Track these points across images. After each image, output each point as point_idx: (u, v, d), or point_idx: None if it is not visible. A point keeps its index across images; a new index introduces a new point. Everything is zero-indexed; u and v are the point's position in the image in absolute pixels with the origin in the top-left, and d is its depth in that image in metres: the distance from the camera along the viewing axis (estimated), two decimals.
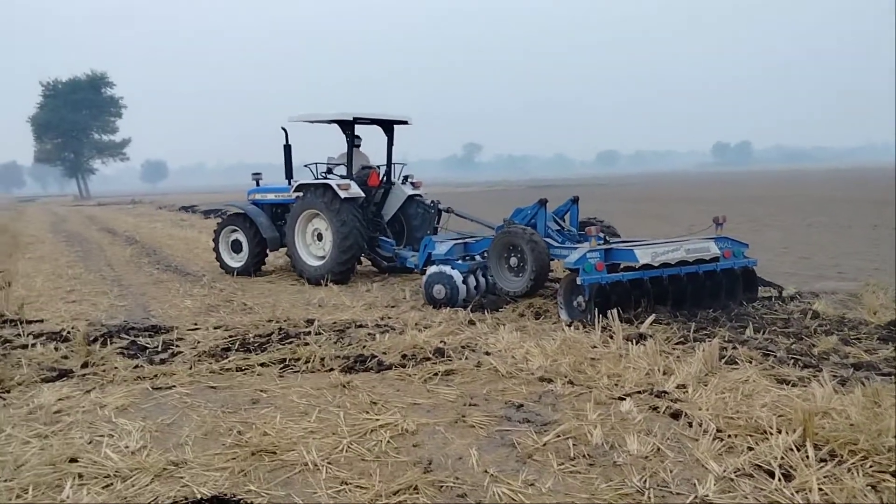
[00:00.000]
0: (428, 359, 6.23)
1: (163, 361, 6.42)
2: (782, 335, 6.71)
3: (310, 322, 7.86)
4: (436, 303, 8.76)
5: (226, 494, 3.69)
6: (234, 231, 12.44)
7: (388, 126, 11.89)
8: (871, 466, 3.75)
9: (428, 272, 8.95)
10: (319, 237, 11.20)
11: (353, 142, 11.29)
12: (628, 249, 7.60)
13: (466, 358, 6.21)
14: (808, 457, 3.85)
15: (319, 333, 7.28)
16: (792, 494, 3.49)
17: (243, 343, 6.97)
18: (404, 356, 6.34)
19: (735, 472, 3.77)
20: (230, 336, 7.31)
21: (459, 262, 9.07)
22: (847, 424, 4.21)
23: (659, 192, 44.85)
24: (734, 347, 6.20)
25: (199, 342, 7.08)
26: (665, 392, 5.11)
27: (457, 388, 5.47)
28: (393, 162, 12.03)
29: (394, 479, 3.80)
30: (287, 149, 11.59)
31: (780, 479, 3.65)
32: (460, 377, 5.74)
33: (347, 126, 11.21)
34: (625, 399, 4.99)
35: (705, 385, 5.18)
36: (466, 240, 9.57)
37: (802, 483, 3.59)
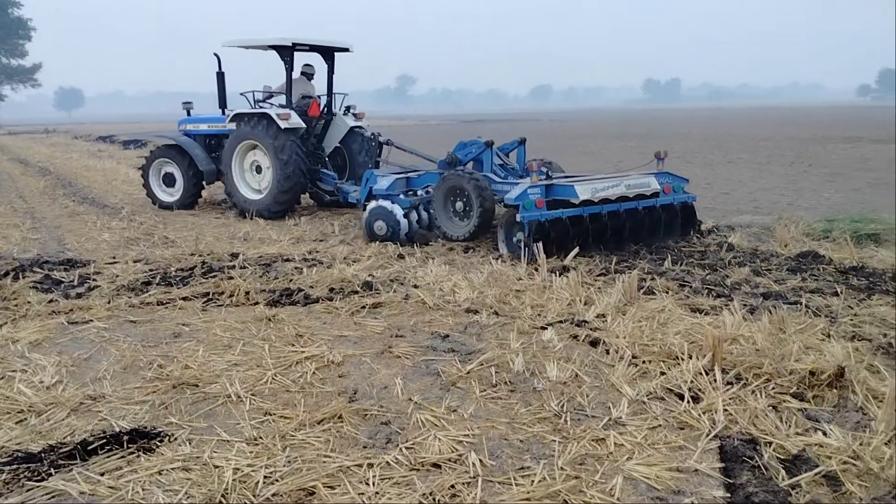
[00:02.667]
0: (356, 292, 6.22)
1: (79, 296, 6.20)
2: (698, 267, 6.98)
3: (234, 256, 7.71)
4: (377, 239, 8.56)
5: (146, 427, 3.65)
6: (167, 163, 11.84)
7: (328, 53, 11.40)
8: (773, 388, 3.98)
9: (369, 207, 8.73)
10: (258, 170, 10.74)
11: (291, 69, 10.68)
12: (569, 185, 7.51)
13: (395, 291, 6.23)
14: (715, 380, 4.05)
15: (244, 267, 7.16)
16: (699, 415, 3.68)
17: (164, 277, 6.79)
18: (332, 290, 6.31)
19: (647, 396, 3.95)
20: (151, 270, 7.11)
21: (401, 197, 8.84)
22: (753, 350, 4.44)
23: (590, 127, 45.31)
24: (652, 279, 6.41)
25: (117, 276, 6.86)
26: (585, 321, 5.27)
27: (384, 320, 5.50)
28: (334, 92, 11.58)
29: (318, 409, 3.83)
30: (220, 76, 11.05)
31: (688, 402, 3.85)
32: (388, 310, 5.76)
33: (286, 52, 10.60)
34: (547, 328, 5.12)
35: (623, 314, 5.36)
36: (409, 174, 9.35)
37: (709, 404, 3.79)
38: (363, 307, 5.78)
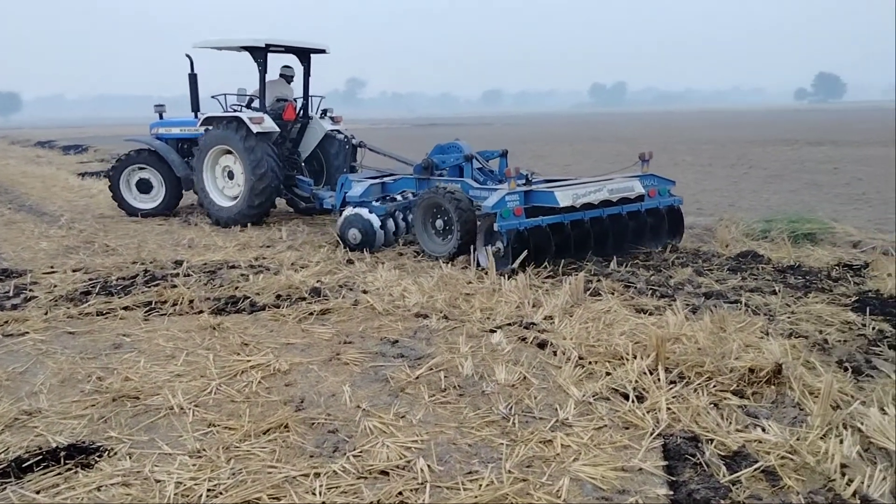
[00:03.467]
0: (303, 299, 6.15)
1: (14, 307, 5.98)
2: (643, 268, 7.10)
3: (178, 263, 7.54)
4: (352, 247, 8.21)
5: (84, 442, 3.54)
6: (141, 169, 11.35)
7: (304, 55, 10.98)
8: (714, 386, 4.08)
9: (343, 215, 8.40)
10: (230, 175, 10.30)
11: (264, 71, 10.25)
12: (548, 191, 7.12)
13: (343, 297, 6.18)
14: (659, 379, 4.13)
15: (188, 275, 7.01)
16: (643, 414, 3.74)
17: (105, 286, 6.60)
18: (279, 297, 6.23)
19: (593, 396, 4.00)
20: (90, 279, 6.90)
21: (377, 203, 8.54)
22: (695, 349, 4.54)
23: (539, 131, 45.76)
24: (598, 280, 6.51)
25: (55, 286, 6.64)
26: (533, 323, 5.31)
27: (332, 326, 5.44)
28: (311, 95, 11.21)
29: (264, 419, 3.77)
30: (192, 78, 10.64)
31: (633, 401, 3.91)
32: (336, 316, 5.71)
33: (259, 54, 10.17)
34: (496, 331, 5.15)
35: (570, 316, 5.42)
36: (384, 179, 8.97)
37: (653, 403, 3.86)
38: (311, 314, 5.72)
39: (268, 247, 8.73)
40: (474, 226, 7.40)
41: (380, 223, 8.30)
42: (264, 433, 3.62)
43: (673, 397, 3.93)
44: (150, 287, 6.55)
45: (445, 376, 4.34)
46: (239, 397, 4.09)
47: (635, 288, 6.26)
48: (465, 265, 7.19)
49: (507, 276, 6.53)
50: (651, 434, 3.54)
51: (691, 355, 4.42)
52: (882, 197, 12.24)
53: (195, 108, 10.92)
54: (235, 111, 10.41)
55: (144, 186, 11.47)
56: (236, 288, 6.52)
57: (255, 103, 10.51)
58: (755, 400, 3.93)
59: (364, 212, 8.29)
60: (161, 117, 11.68)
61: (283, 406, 3.95)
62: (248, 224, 10.06)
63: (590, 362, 4.49)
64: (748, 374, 4.11)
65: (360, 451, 3.41)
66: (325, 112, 11.17)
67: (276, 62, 11.06)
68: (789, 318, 5.36)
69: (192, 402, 4.01)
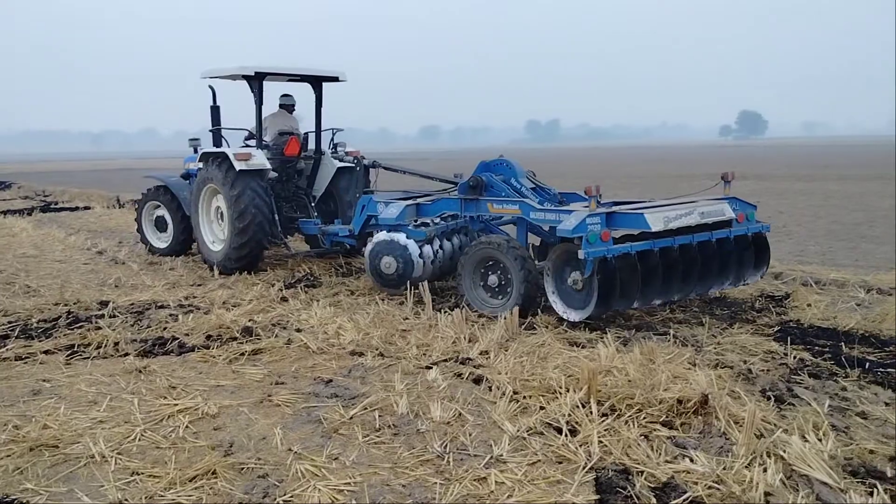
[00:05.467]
0: (235, 339, 6.02)
1: None
2: None
3: (104, 304, 7.28)
4: (385, 280, 7.29)
5: None
6: (157, 207, 10.74)
7: (315, 83, 9.87)
8: (644, 418, 4.15)
9: (374, 241, 7.39)
10: (222, 217, 9.31)
11: (260, 101, 9.30)
12: (636, 213, 6.13)
13: (276, 336, 6.07)
14: (591, 412, 4.18)
15: (114, 316, 6.77)
16: (576, 448, 3.77)
17: (24, 329, 6.31)
18: (209, 337, 6.07)
19: (528, 431, 4.02)
20: (9, 322, 6.59)
21: (413, 228, 7.45)
22: (626, 381, 4.62)
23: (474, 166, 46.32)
24: (534, 314, 6.58)
25: None
26: (469, 359, 5.32)
27: (264, 367, 5.33)
28: (322, 127, 10.00)
29: (190, 465, 3.64)
30: (214, 111, 9.78)
31: (566, 435, 3.94)
32: (269, 356, 5.60)
33: (253, 82, 9.21)
34: (431, 368, 5.14)
35: (506, 350, 5.46)
36: (417, 200, 7.83)
37: (586, 437, 3.90)
38: (242, 354, 5.59)
39: (199, 285, 8.52)
40: (538, 288, 6.50)
41: (419, 252, 7.28)
42: (191, 480, 3.49)
43: (605, 430, 3.98)
44: (72, 329, 6.29)
45: (380, 415, 4.30)
46: (165, 443, 3.95)
47: (569, 321, 6.35)
48: (402, 301, 7.17)
49: (443, 312, 6.51)
50: (583, 468, 3.57)
51: (622, 387, 4.49)
52: (805, 230, 12.83)
53: (217, 143, 9.88)
54: (235, 146, 9.53)
55: (161, 224, 10.83)
56: (164, 329, 6.33)
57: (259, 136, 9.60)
58: (684, 430, 4.02)
59: (401, 237, 7.25)
60: (196, 151, 10.40)
61: (210, 451, 3.83)
62: (238, 271, 9.02)
63: (524, 396, 4.52)
64: (677, 405, 4.21)
65: (291, 496, 3.33)
66: (336, 146, 10.15)
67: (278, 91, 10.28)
68: (715, 348, 5.53)
69: (115, 450, 3.84)
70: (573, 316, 6.18)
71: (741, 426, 3.90)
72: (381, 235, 7.40)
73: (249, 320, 6.55)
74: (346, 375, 5.09)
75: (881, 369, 5.04)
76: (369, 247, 7.47)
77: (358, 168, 9.48)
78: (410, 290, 7.10)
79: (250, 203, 8.71)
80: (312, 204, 9.73)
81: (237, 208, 8.73)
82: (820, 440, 3.78)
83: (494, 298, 6.74)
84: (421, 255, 7.28)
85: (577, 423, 4.08)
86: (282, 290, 7.91)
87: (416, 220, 7.65)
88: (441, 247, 7.69)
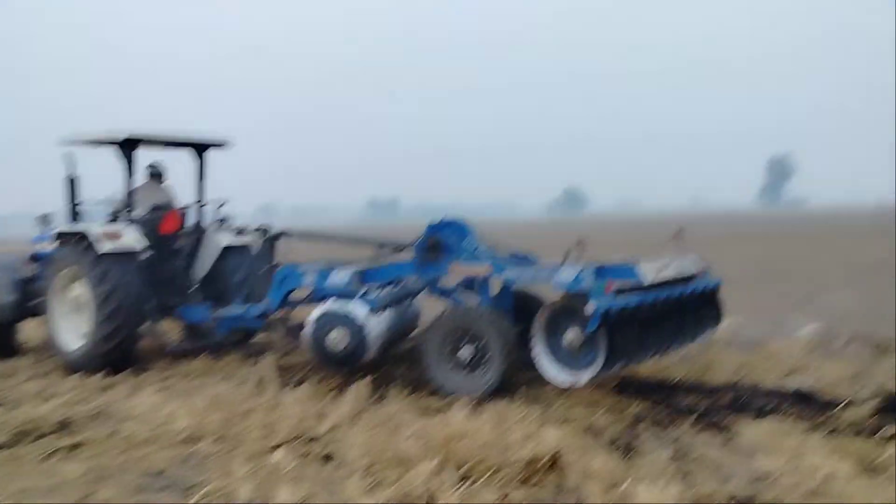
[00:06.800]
0: (48, 434, 5.33)
1: None
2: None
3: None
4: (328, 358, 6.36)
5: None
6: None
7: (198, 149, 8.65)
8: (500, 479, 4.10)
9: (322, 309, 6.46)
10: (81, 307, 7.73)
11: (131, 172, 8.13)
12: (628, 265, 5.91)
13: (98, 428, 5.46)
14: (448, 479, 4.07)
15: None
16: None
17: None
18: (17, 434, 5.33)
19: None
20: None
21: (365, 297, 6.47)
22: (481, 444, 4.56)
23: (316, 245, 45.95)
24: (384, 385, 6.41)
25: None
26: (318, 437, 5.06)
27: (84, 462, 4.74)
28: (204, 200, 8.76)
29: None
30: (70, 182, 8.22)
31: None
32: (89, 450, 5.00)
33: (125, 149, 8.03)
34: (277, 449, 4.81)
35: (357, 424, 5.25)
36: (357, 268, 6.82)
37: None
38: (56, 451, 4.94)
39: (10, 376, 7.53)
40: (519, 354, 5.92)
41: (375, 329, 6.35)
42: None
43: (462, 496, 3.87)
44: None
45: None
46: None
47: (421, 389, 6.25)
48: (243, 380, 6.74)
49: (289, 388, 6.16)
50: None
51: (477, 451, 4.42)
52: None
53: (73, 218, 8.38)
54: (100, 222, 8.19)
55: None
56: None
57: (125, 210, 8.28)
58: (539, 488, 4.00)
59: (357, 308, 6.29)
60: (45, 230, 8.78)
61: None
62: (106, 369, 7.42)
63: (378, 470, 4.32)
64: (530, 464, 4.20)
65: None
66: (222, 221, 8.85)
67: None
68: (563, 404, 5.64)
69: None
70: (576, 379, 5.57)
71: (592, 480, 3.95)
72: (332, 304, 6.43)
73: (66, 413, 5.85)
74: (181, 465, 4.65)
75: (713, 415, 5.37)
76: (315, 314, 6.48)
77: (263, 240, 8.06)
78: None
79: (118, 285, 7.35)
80: (195, 288, 8.48)
81: (102, 293, 7.34)
82: (665, 487, 3.89)
83: (467, 373, 5.99)
84: (375, 334, 6.34)
85: (434, 492, 3.95)
86: (105, 378, 7.17)
87: (363, 289, 6.64)
88: (404, 312, 7.09)
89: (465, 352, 5.96)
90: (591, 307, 5.29)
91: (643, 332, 5.73)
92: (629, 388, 6.03)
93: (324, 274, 6.80)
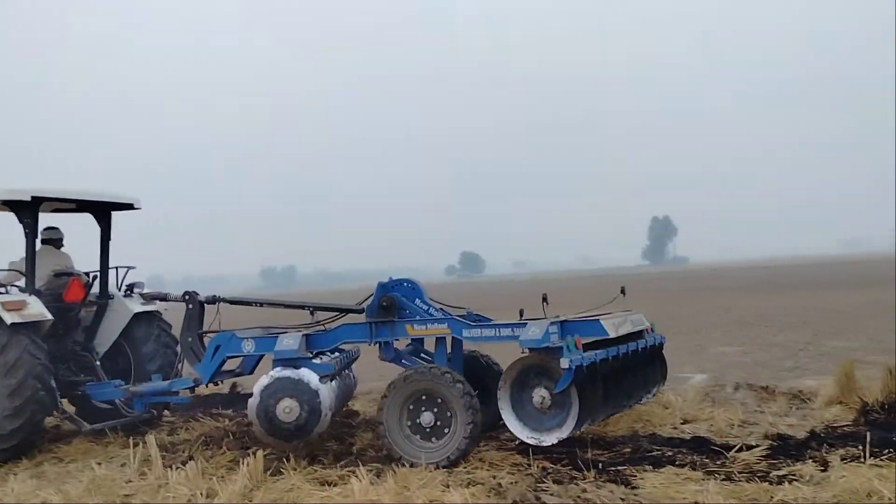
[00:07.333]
0: None
1: None
2: (325, 439, 6.83)
3: None
4: (276, 429, 5.88)
5: None
6: None
7: (101, 211, 8.05)
8: None
9: (271, 376, 5.98)
10: None
11: (34, 235, 7.39)
12: (592, 320, 5.89)
13: None
14: None
15: None
16: None
17: None
18: None
19: None
20: None
21: (318, 361, 6.19)
22: None
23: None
24: (279, 458, 6.10)
25: None
26: None
27: None
28: (110, 265, 8.13)
29: None
30: None
31: None
32: None
33: (26, 211, 7.26)
34: None
35: (251, 501, 4.94)
36: (311, 331, 6.50)
37: None
38: None
39: None
40: (482, 419, 5.80)
41: (328, 399, 6.00)
42: None
43: None
44: None
45: None
46: None
47: (319, 461, 5.98)
48: (124, 461, 6.24)
49: (174, 468, 5.74)
50: None
51: None
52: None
53: None
54: None
55: None
56: None
57: (22, 281, 7.51)
58: None
59: (309, 376, 5.92)
60: None
61: None
62: (8, 457, 6.63)
63: None
64: None
65: None
66: (131, 287, 8.19)
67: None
68: (465, 467, 5.53)
69: None
70: (548, 439, 5.51)
71: None
72: (282, 371, 5.99)
73: None
74: None
75: (612, 467, 5.40)
76: (263, 381, 6.01)
77: (191, 306, 7.22)
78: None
79: (26, 363, 6.59)
80: (97, 364, 7.70)
81: (7, 375, 6.53)
82: None
83: (426, 440, 5.73)
84: (328, 404, 5.99)
85: None
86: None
87: (310, 354, 6.29)
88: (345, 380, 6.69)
89: (426, 417, 5.73)
90: (564, 363, 5.23)
91: (606, 388, 5.75)
92: (530, 446, 5.99)
93: (267, 340, 6.38)
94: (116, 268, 8.18)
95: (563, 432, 5.46)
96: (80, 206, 8.02)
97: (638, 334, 6.42)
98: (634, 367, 6.34)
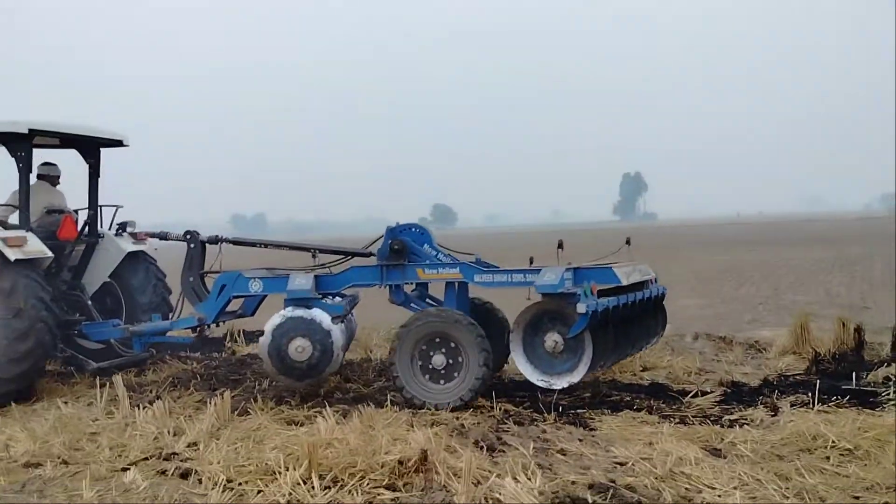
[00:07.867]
0: None
1: None
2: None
3: None
4: (288, 368, 5.92)
5: None
6: None
7: (89, 147, 7.82)
8: (368, 484, 4.05)
9: (283, 315, 5.99)
10: None
11: (29, 170, 7.12)
12: (605, 267, 5.91)
13: None
14: (314, 487, 3.96)
15: None
16: None
17: None
18: None
19: None
20: None
21: (329, 301, 6.21)
22: (347, 450, 4.47)
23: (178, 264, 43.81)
24: (247, 399, 6.18)
25: None
26: (175, 454, 4.80)
27: None
28: (100, 203, 7.92)
29: None
30: None
31: None
32: None
33: (20, 145, 6.98)
34: (129, 469, 4.51)
35: (217, 439, 5.02)
36: (316, 271, 6.45)
37: None
38: None
39: None
40: (495, 362, 5.94)
41: (341, 339, 6.03)
42: None
43: (328, 502, 3.78)
44: None
45: None
46: None
47: (287, 402, 6.06)
48: (91, 401, 6.27)
49: (141, 407, 5.77)
50: None
51: (343, 457, 4.33)
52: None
53: None
54: None
55: None
56: None
57: (14, 217, 7.34)
58: (406, 490, 3.98)
59: (322, 316, 5.93)
60: None
61: None
62: (12, 398, 6.44)
63: (240, 483, 4.15)
64: (398, 466, 4.16)
65: None
66: (122, 227, 8.02)
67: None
68: (430, 409, 5.65)
69: None
70: (558, 382, 5.60)
71: (459, 477, 3.97)
72: (294, 311, 5.98)
73: None
74: (19, 491, 4.25)
75: (572, 411, 5.58)
76: (275, 321, 6.01)
77: (193, 245, 7.12)
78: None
79: (31, 301, 6.44)
80: (88, 303, 7.60)
81: (11, 308, 6.38)
82: (529, 479, 3.99)
83: (437, 383, 5.77)
84: (340, 344, 6.01)
85: (299, 500, 3.83)
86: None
87: (319, 295, 6.27)
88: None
89: (437, 360, 5.76)
90: (582, 308, 5.30)
91: (615, 334, 5.86)
92: (495, 389, 6.14)
93: (276, 281, 6.36)
94: (103, 206, 7.96)
95: (575, 377, 5.56)
96: (66, 142, 7.77)
97: (643, 284, 6.47)
98: (640, 315, 6.42)
